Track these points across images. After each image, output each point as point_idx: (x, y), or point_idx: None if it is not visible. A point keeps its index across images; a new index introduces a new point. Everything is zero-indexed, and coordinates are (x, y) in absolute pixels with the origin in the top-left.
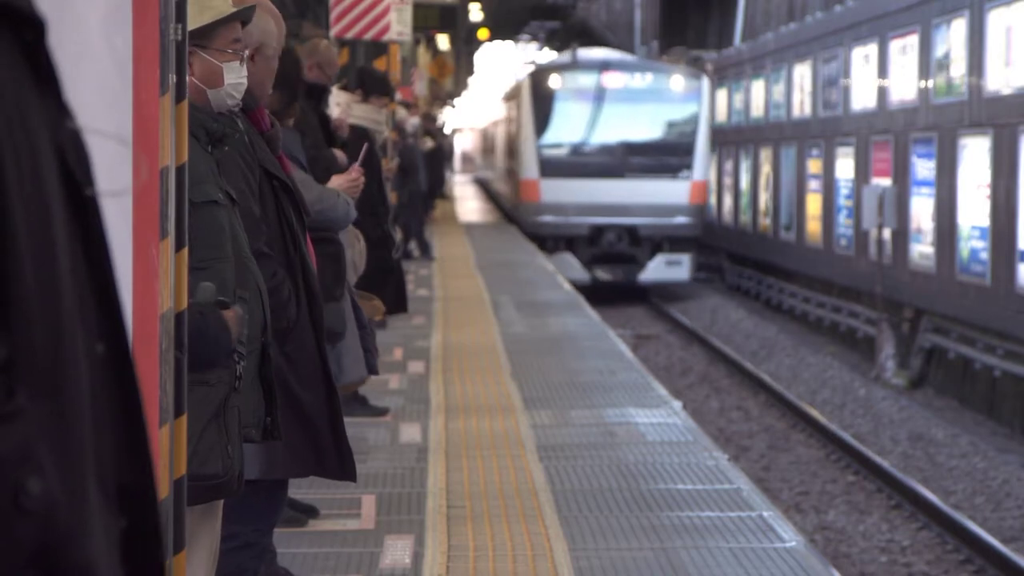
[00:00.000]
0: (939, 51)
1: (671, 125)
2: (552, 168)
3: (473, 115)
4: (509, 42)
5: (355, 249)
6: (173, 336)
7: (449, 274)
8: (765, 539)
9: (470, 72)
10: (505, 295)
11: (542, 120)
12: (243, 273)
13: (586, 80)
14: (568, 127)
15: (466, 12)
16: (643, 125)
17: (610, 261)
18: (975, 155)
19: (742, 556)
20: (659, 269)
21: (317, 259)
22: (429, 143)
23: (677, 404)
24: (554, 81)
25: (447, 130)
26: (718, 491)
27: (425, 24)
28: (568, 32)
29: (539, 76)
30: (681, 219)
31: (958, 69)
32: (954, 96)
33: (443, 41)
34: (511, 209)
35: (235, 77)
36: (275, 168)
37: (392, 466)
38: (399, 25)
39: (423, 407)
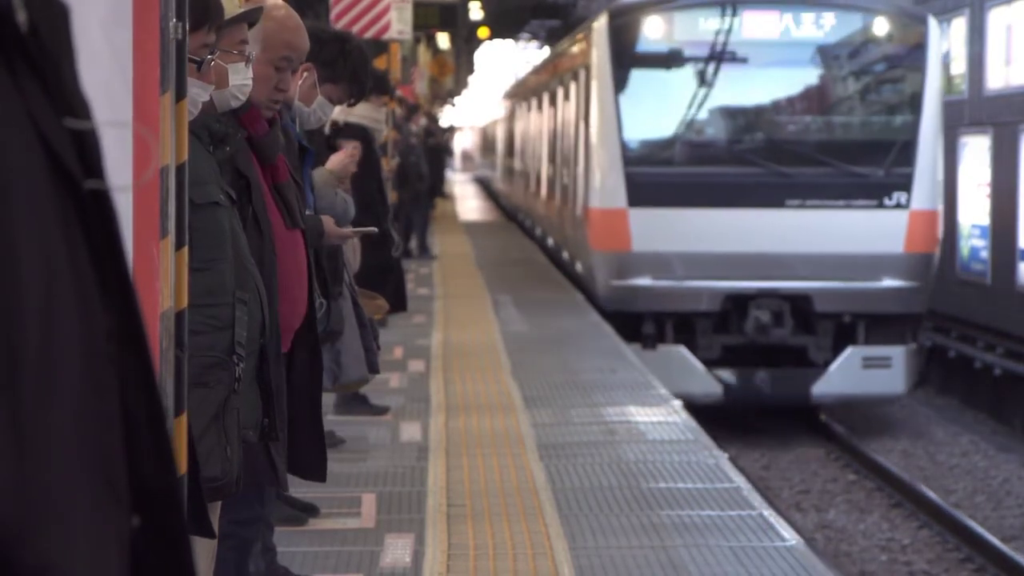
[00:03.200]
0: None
1: (873, 109)
2: (650, 190)
3: (473, 113)
4: (509, 41)
5: (348, 246)
6: (173, 335)
7: (449, 272)
8: (765, 538)
9: (470, 71)
10: (505, 293)
11: (630, 100)
12: (243, 274)
13: (709, 26)
14: (677, 113)
15: (466, 11)
16: (818, 110)
17: (760, 360)
18: (975, 154)
19: (742, 555)
20: (850, 373)
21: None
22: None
23: (677, 403)
24: (652, 28)
25: (448, 129)
26: (718, 490)
27: (425, 23)
28: (569, 31)
29: (624, 22)
30: (892, 282)
31: (958, 68)
32: (954, 95)
33: (443, 40)
34: (561, 255)
35: (240, 78)
36: (246, 167)
37: (392, 465)
38: (399, 24)
39: (423, 406)
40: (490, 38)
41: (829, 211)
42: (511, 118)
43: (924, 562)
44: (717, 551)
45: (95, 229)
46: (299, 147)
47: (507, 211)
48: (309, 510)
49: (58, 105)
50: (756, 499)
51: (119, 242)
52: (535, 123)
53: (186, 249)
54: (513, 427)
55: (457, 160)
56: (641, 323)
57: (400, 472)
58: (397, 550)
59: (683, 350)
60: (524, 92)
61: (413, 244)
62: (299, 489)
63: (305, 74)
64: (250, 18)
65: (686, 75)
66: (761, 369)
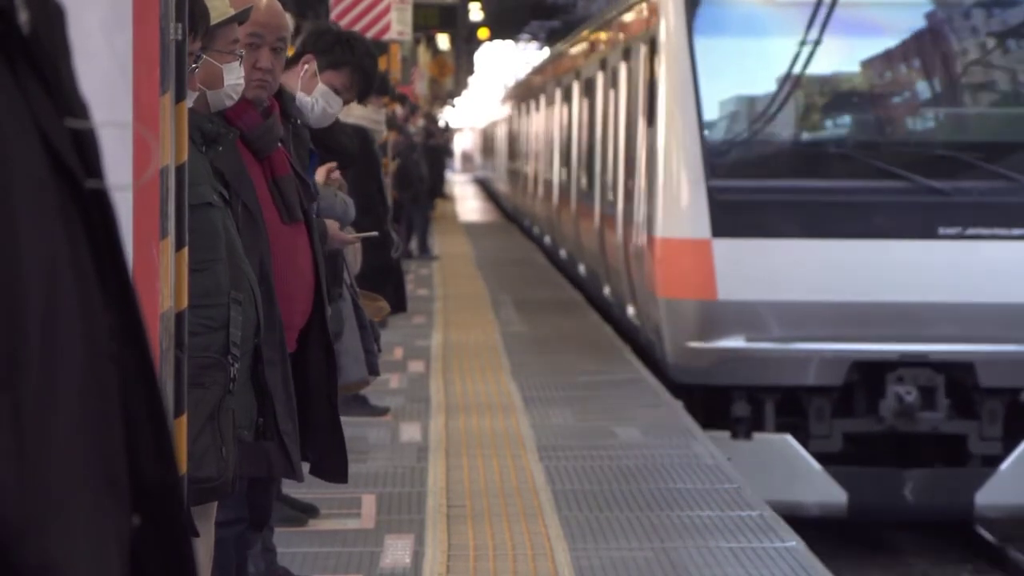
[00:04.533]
0: None
1: None
2: (744, 212)
3: (473, 114)
4: (509, 42)
5: (350, 249)
6: (173, 336)
7: (449, 273)
8: (765, 538)
9: (470, 72)
10: (505, 294)
11: (715, 85)
12: (237, 274)
13: None
14: (781, 104)
15: (466, 11)
16: (984, 98)
17: (900, 455)
18: None
19: (742, 555)
20: None
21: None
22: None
23: (678, 403)
24: None
25: (445, 129)
26: (718, 490)
27: (425, 23)
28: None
29: None
30: None
31: None
32: None
33: (443, 41)
34: (602, 290)
35: (234, 78)
36: (225, 164)
37: (392, 465)
38: (399, 24)
39: (423, 406)
40: (490, 39)
41: (1000, 243)
42: (520, 116)
43: (925, 562)
44: (717, 552)
45: (96, 228)
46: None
47: (509, 215)
48: (309, 511)
49: (58, 105)
50: (756, 500)
51: (119, 241)
52: (557, 120)
53: (186, 250)
54: (513, 427)
55: (457, 161)
56: (729, 402)
57: (400, 473)
58: (397, 551)
59: (789, 441)
60: (540, 85)
61: (413, 245)
62: (299, 490)
63: (306, 66)
64: (240, 18)
65: (794, 49)
66: (904, 468)
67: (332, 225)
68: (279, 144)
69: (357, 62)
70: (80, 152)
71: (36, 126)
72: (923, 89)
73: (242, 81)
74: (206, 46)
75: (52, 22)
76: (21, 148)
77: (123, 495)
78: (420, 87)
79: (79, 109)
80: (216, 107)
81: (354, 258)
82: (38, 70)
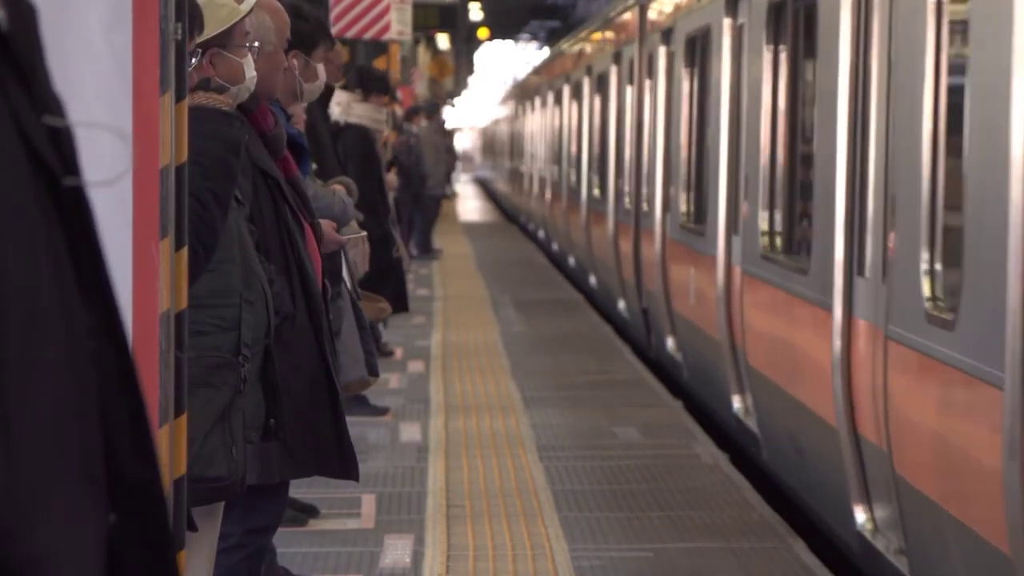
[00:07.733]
0: None
1: None
2: None
3: (473, 114)
4: (509, 41)
5: (356, 250)
6: (173, 336)
7: (449, 273)
8: (765, 538)
9: (470, 71)
10: (505, 294)
11: None
12: (249, 275)
13: None
14: None
15: (466, 11)
16: None
17: None
18: None
19: (742, 555)
20: None
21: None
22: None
23: (677, 403)
24: None
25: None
26: (718, 490)
27: (425, 23)
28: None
29: None
30: None
31: None
32: None
33: (443, 40)
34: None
35: (251, 71)
36: (269, 167)
37: (392, 465)
38: (399, 24)
39: (423, 406)
40: (490, 39)
41: None
42: (555, 107)
43: None
44: (717, 552)
45: (73, 226)
46: (296, 145)
47: (509, 215)
48: (309, 511)
49: (35, 102)
50: (756, 499)
51: (97, 239)
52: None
53: (186, 249)
54: (513, 427)
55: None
56: None
57: (400, 473)
58: (397, 551)
59: None
60: (582, 59)
61: (412, 244)
62: (299, 490)
63: (295, 61)
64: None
65: None
66: None
67: (327, 225)
68: None
69: (319, 28)
70: (57, 149)
71: (16, 124)
72: None
73: (255, 74)
74: (224, 43)
75: (25, 20)
76: (2, 147)
77: (101, 493)
78: (420, 87)
79: (55, 106)
80: (238, 100)
81: (362, 261)
82: (16, 68)
